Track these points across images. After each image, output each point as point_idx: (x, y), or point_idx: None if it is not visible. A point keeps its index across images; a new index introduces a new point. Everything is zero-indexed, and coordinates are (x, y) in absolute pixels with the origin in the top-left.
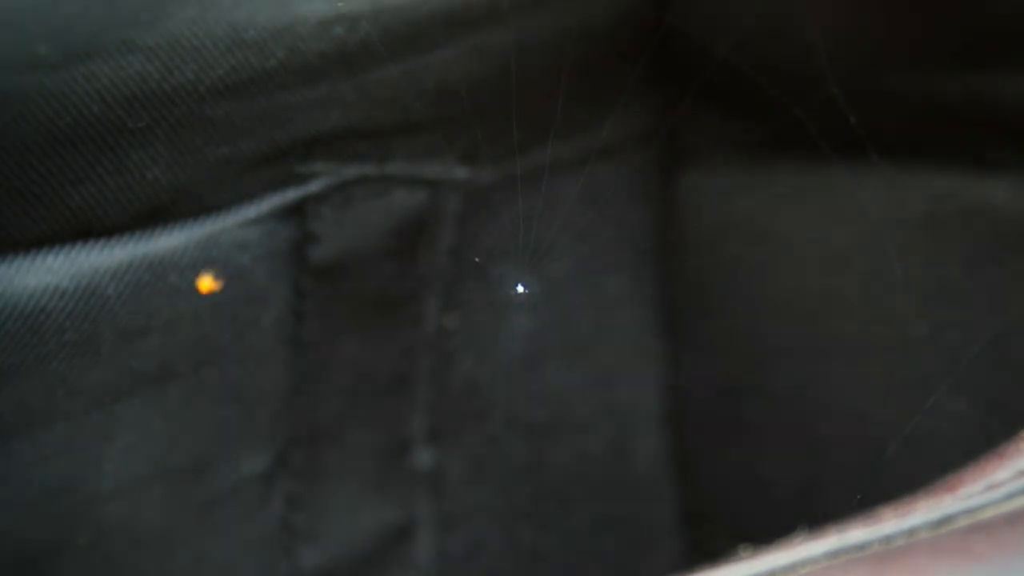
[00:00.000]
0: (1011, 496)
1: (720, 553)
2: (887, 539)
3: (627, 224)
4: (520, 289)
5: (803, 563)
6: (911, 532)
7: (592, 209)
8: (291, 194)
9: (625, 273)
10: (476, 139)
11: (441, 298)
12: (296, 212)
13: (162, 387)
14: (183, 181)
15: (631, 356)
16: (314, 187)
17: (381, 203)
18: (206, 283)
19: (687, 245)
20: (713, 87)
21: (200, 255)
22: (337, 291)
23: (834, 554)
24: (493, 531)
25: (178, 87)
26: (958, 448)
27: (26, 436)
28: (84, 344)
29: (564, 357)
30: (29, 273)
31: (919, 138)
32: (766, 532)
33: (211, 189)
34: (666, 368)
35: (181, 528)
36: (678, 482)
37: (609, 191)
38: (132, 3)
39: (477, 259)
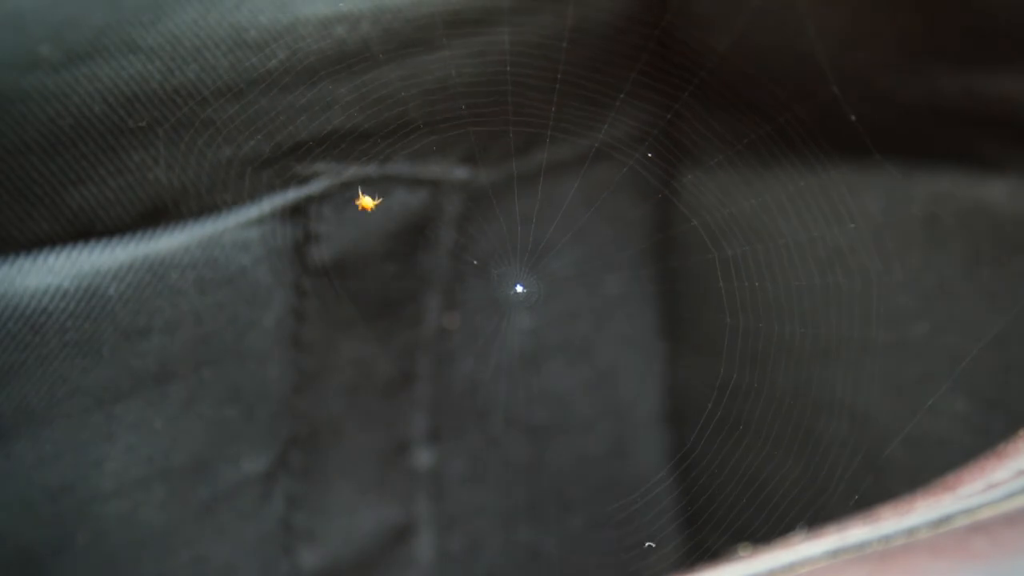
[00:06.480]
0: (1010, 496)
1: (720, 553)
2: (886, 539)
3: (627, 224)
4: (520, 289)
5: (803, 563)
6: (910, 532)
7: (592, 209)
8: (292, 194)
9: (625, 273)
10: (476, 139)
11: (441, 298)
12: (297, 212)
13: (163, 387)
14: (184, 181)
15: (631, 356)
16: (315, 187)
17: (382, 203)
18: (366, 203)
19: (687, 245)
20: (713, 86)
21: (201, 255)
22: (337, 291)
23: (834, 554)
24: (493, 531)
25: (179, 87)
26: (958, 448)
27: (27, 436)
28: (85, 344)
29: (564, 357)
30: (30, 273)
31: (919, 138)
32: (766, 532)
33: (212, 189)
34: (666, 368)
35: (181, 528)
36: (678, 482)
37: (609, 191)
38: (133, 3)
39: (477, 259)
